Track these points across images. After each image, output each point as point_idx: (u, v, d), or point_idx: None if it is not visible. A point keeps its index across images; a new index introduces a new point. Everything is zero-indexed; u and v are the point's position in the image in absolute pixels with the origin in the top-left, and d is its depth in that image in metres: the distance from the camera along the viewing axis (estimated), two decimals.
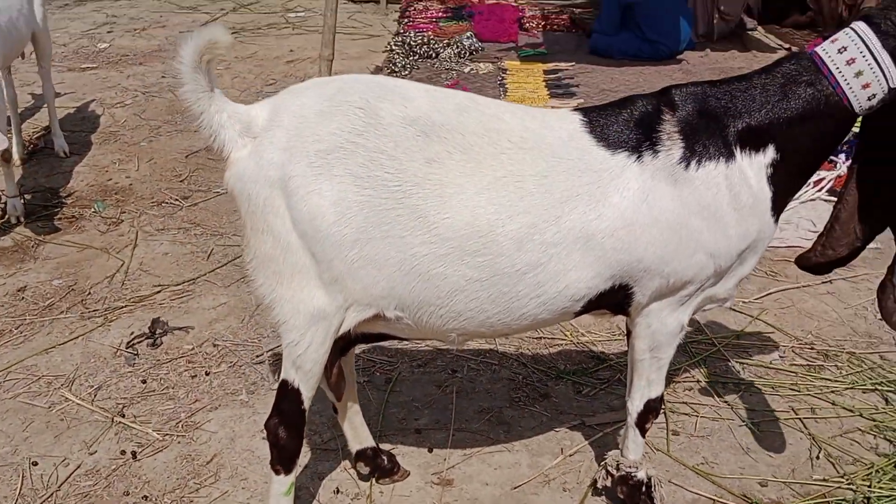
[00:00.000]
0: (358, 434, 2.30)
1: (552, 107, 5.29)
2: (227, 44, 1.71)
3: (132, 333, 3.04)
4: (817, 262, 2.03)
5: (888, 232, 1.98)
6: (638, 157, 1.78)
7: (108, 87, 5.97)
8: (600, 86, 5.80)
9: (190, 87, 1.73)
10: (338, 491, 2.31)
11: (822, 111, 1.81)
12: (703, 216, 1.77)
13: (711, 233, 1.79)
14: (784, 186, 1.85)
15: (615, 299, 1.88)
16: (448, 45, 6.67)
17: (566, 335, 3.03)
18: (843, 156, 4.23)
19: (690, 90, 1.85)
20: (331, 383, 2.13)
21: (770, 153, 1.81)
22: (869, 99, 1.78)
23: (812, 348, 2.95)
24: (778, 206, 1.86)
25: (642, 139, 1.79)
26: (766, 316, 3.15)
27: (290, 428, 1.95)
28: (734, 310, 3.17)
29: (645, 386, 2.05)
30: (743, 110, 1.81)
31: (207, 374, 2.82)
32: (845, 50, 1.77)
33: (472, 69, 6.23)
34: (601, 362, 2.88)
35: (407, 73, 6.13)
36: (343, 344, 1.98)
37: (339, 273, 1.76)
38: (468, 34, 6.87)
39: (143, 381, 2.78)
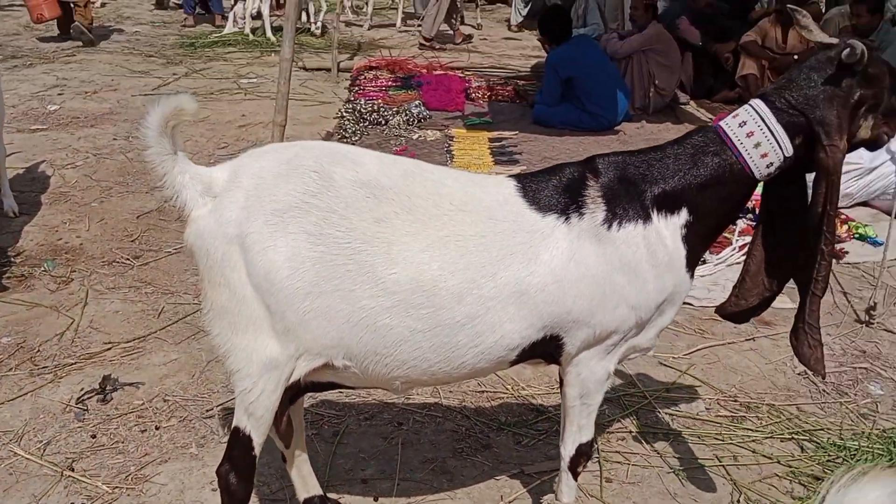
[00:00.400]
0: (306, 482, 2.38)
1: (496, 173, 5.52)
2: (193, 111, 1.85)
3: (82, 389, 3.07)
4: (732, 311, 2.26)
5: None
6: (566, 219, 1.96)
7: (59, 148, 6.00)
8: (542, 153, 6.08)
9: (155, 149, 1.87)
10: None
11: (728, 178, 2.02)
12: (624, 272, 1.95)
13: (632, 287, 1.96)
14: (696, 244, 2.05)
15: (547, 349, 2.03)
16: (397, 112, 6.92)
17: (507, 388, 3.17)
18: None
19: (612, 159, 2.05)
20: (280, 431, 2.23)
21: (683, 215, 2.01)
22: (767, 167, 2.01)
23: (735, 401, 3.14)
24: (692, 262, 2.05)
25: (569, 203, 1.97)
26: (694, 370, 3.34)
27: (241, 474, 2.04)
28: (664, 364, 3.36)
29: (576, 431, 2.18)
30: (658, 177, 2.01)
31: (157, 428, 2.87)
32: (745, 124, 2.01)
33: (420, 136, 6.48)
34: (540, 414, 3.02)
35: (357, 138, 6.34)
36: (293, 393, 2.09)
37: (291, 324, 1.88)
38: (416, 103, 7.15)
39: (93, 436, 2.82)
